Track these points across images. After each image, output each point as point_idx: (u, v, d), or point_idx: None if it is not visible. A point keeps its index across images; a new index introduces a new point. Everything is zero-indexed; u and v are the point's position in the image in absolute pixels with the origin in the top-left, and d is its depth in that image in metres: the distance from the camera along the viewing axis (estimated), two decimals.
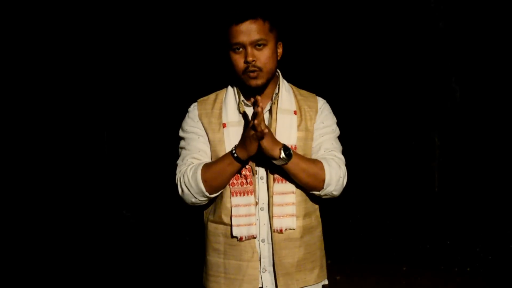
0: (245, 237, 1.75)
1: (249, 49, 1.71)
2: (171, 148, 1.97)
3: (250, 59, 1.71)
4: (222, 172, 1.74)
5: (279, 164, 1.72)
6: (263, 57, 1.72)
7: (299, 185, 1.81)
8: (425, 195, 7.72)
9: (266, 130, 1.64)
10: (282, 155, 1.68)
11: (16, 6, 7.55)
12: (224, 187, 1.78)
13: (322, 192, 1.82)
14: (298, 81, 1.99)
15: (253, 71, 1.72)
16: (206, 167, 1.76)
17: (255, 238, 1.75)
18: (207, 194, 1.76)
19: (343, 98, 7.29)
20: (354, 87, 8.50)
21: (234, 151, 1.71)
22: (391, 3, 8.10)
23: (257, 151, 1.70)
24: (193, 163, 1.82)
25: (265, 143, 1.66)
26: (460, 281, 4.47)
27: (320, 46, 8.48)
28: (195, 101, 1.92)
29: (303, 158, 1.77)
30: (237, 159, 1.71)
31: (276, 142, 1.70)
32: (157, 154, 7.95)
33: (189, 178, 1.76)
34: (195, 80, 7.91)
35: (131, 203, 7.47)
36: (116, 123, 8.52)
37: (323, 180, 1.77)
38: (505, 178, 7.13)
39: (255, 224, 1.75)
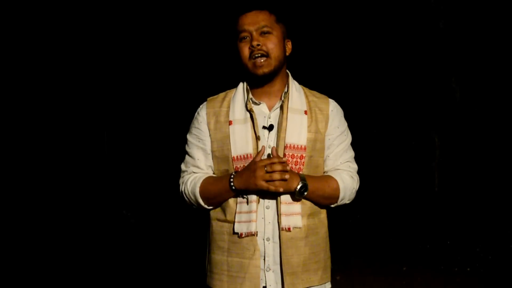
0: (245, 234, 1.73)
1: (255, 35, 1.74)
2: (171, 148, 1.98)
3: (255, 43, 1.72)
4: (220, 196, 1.77)
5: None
6: (269, 43, 1.73)
7: None
8: (425, 195, 7.72)
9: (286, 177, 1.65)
10: (297, 194, 1.71)
11: (16, 6, 7.55)
12: (223, 202, 1.82)
13: (335, 206, 1.86)
14: (299, 81, 1.98)
15: (259, 56, 1.72)
16: (205, 186, 1.79)
17: (254, 235, 1.75)
18: (205, 207, 1.83)
19: (343, 98, 7.28)
20: (354, 87, 8.50)
21: (232, 182, 1.71)
22: (392, 3, 8.10)
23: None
24: (194, 172, 1.85)
25: (283, 186, 1.67)
26: (460, 281, 4.47)
27: (320, 46, 8.48)
28: (195, 101, 1.93)
29: (318, 183, 1.76)
30: (235, 190, 1.72)
31: (291, 180, 1.69)
32: (158, 154, 7.96)
33: (189, 191, 1.82)
34: (194, 80, 7.92)
35: (131, 203, 7.48)
36: (116, 123, 8.52)
37: (337, 198, 1.81)
38: (505, 178, 7.13)
39: (255, 221, 1.73)
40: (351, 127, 1.92)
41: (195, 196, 1.80)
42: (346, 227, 6.37)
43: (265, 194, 1.73)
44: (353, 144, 1.92)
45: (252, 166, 1.67)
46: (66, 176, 7.88)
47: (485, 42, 7.48)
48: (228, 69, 1.88)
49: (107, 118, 8.46)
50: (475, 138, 7.59)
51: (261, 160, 1.67)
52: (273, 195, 1.75)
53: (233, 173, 1.73)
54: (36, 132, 7.87)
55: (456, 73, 7.80)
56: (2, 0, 7.35)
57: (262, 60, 1.72)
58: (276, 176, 1.64)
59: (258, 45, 1.72)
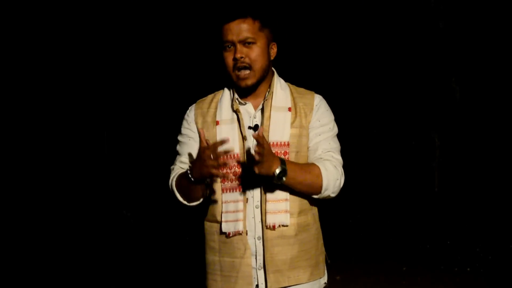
0: (232, 233, 1.74)
1: (238, 46, 1.73)
2: (171, 148, 1.98)
3: (238, 55, 1.72)
4: (188, 188, 1.76)
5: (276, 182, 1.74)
6: (252, 54, 1.73)
7: None
8: (425, 195, 7.72)
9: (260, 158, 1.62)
10: (275, 179, 1.68)
11: (16, 6, 7.55)
12: (201, 197, 1.81)
13: (319, 196, 1.82)
14: (297, 81, 1.98)
15: (242, 68, 1.73)
16: (177, 182, 1.81)
17: (241, 234, 1.73)
18: (186, 203, 1.83)
19: (343, 98, 7.30)
20: (354, 87, 8.51)
21: (190, 174, 1.70)
22: (391, 3, 8.11)
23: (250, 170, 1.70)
24: (181, 168, 1.86)
25: (261, 169, 1.65)
26: (460, 281, 4.47)
27: (320, 46, 8.49)
28: (195, 101, 1.94)
29: (298, 169, 1.73)
30: (194, 181, 1.71)
31: (271, 164, 1.65)
32: (157, 154, 7.95)
33: (172, 188, 1.84)
34: (194, 80, 7.91)
35: (131, 203, 7.48)
36: (116, 123, 8.52)
37: (321, 187, 1.76)
38: (505, 178, 7.13)
39: (242, 220, 1.74)
40: (351, 127, 1.92)
41: (174, 192, 1.82)
42: (346, 227, 6.37)
43: (247, 185, 1.74)
44: (354, 144, 1.92)
45: (202, 154, 1.65)
46: (66, 176, 7.88)
47: (485, 42, 7.49)
48: (222, 70, 1.88)
49: (107, 118, 8.46)
50: (475, 138, 7.60)
51: (207, 147, 1.65)
52: (258, 192, 1.75)
53: (191, 165, 1.75)
54: (36, 132, 7.87)
55: (456, 73, 7.81)
56: (2, 0, 7.35)
57: (246, 73, 1.73)
58: (220, 161, 1.62)
59: (241, 57, 1.72)
